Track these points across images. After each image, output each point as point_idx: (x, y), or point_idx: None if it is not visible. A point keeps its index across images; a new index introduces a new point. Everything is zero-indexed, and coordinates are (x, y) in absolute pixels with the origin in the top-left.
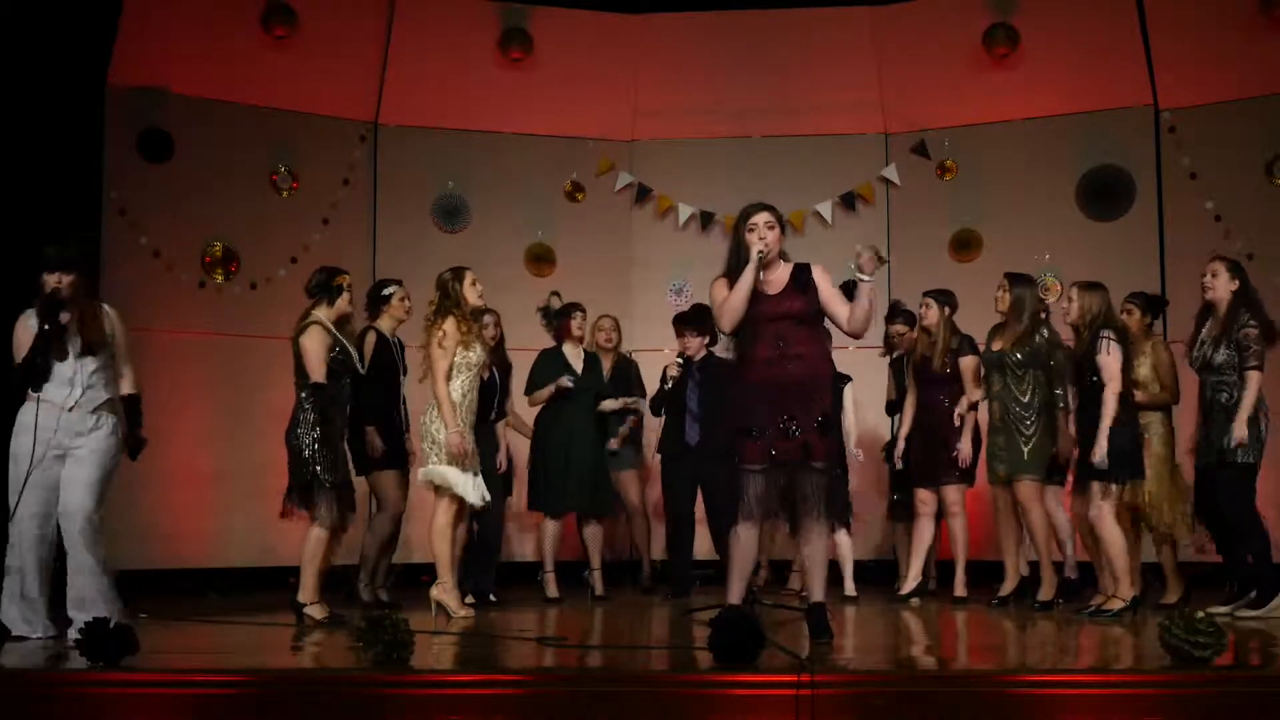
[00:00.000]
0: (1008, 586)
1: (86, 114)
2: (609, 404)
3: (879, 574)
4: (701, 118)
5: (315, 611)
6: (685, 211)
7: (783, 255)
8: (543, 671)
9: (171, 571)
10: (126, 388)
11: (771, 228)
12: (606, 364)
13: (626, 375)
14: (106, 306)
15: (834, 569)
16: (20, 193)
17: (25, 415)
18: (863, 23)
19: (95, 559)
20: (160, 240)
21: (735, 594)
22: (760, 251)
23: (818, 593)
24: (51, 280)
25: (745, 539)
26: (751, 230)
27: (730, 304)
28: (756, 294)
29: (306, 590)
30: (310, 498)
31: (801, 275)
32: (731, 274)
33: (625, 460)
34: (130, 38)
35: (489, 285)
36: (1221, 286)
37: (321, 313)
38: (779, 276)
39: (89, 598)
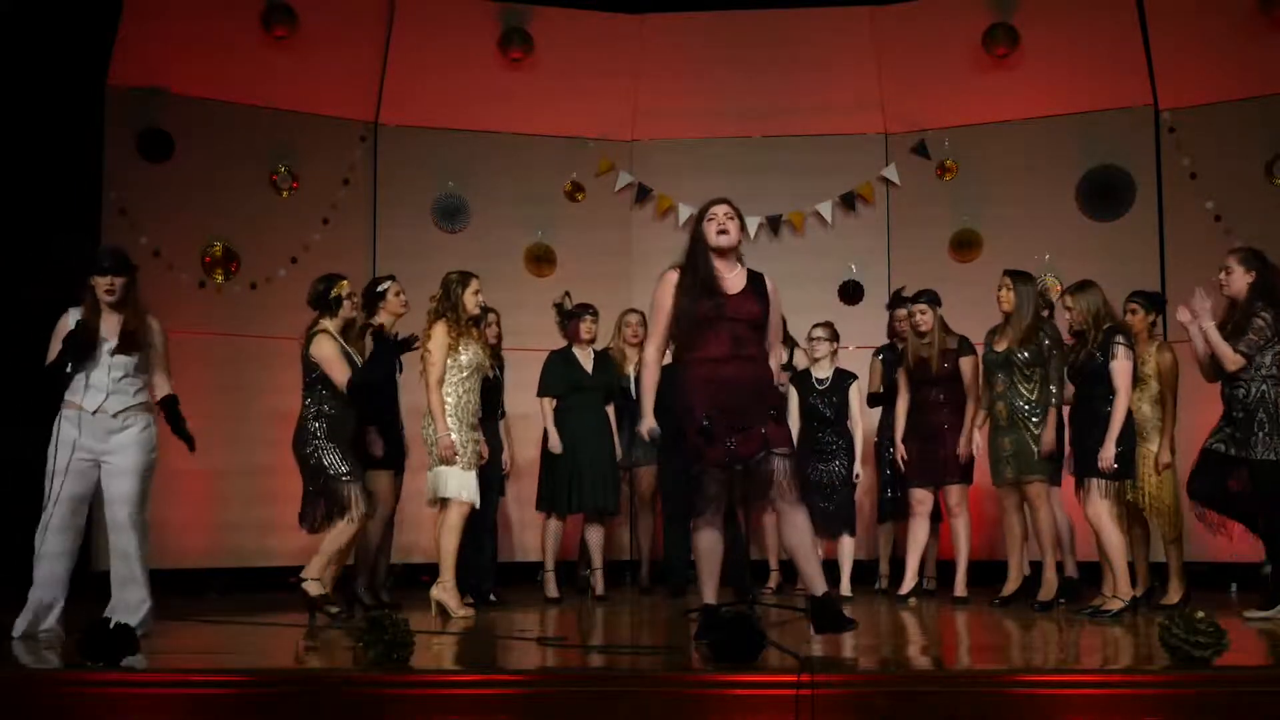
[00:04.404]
0: (1010, 587)
1: (86, 114)
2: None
3: (862, 573)
4: (701, 118)
5: (313, 588)
6: (685, 211)
7: (739, 257)
8: (543, 671)
9: (171, 571)
10: (164, 390)
11: (731, 218)
12: (634, 360)
13: None
14: (150, 316)
15: (832, 569)
16: (20, 193)
17: (57, 426)
18: (863, 23)
19: (140, 552)
20: (160, 240)
21: (709, 594)
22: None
23: (818, 584)
24: (103, 283)
25: (707, 538)
26: (711, 220)
27: (662, 324)
28: (715, 291)
29: (314, 568)
30: (334, 498)
31: (757, 282)
32: (684, 269)
33: (644, 455)
34: (130, 38)
35: (489, 285)
36: (1237, 280)
37: (327, 322)
38: (737, 277)
39: (130, 598)
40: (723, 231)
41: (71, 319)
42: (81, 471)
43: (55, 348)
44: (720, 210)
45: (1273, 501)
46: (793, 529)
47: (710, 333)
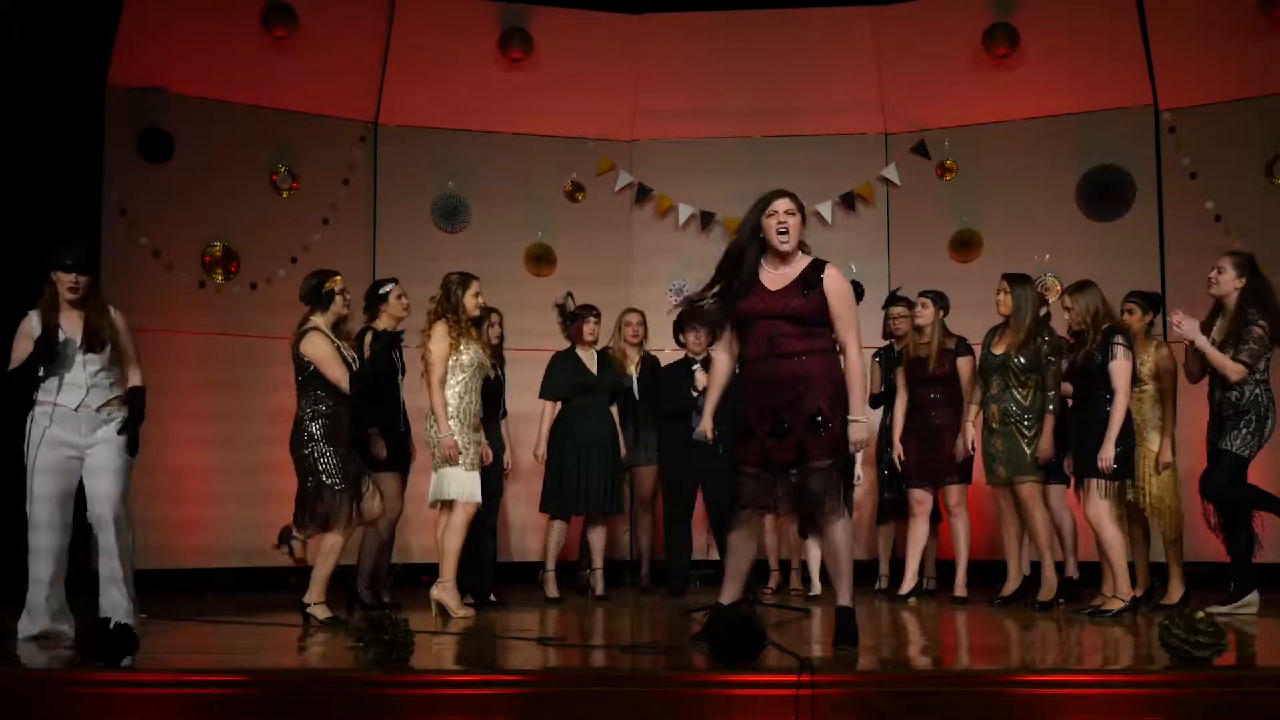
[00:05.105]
0: (1010, 587)
1: (86, 114)
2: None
3: (862, 573)
4: (701, 118)
5: (319, 612)
6: (685, 211)
7: (802, 246)
8: (543, 671)
9: (171, 571)
10: (134, 381)
11: (792, 214)
12: (634, 359)
13: (654, 372)
14: (111, 308)
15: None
16: (21, 193)
17: (30, 423)
18: (863, 23)
19: (123, 549)
20: (160, 240)
21: (728, 594)
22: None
23: (844, 595)
24: (67, 280)
25: (740, 540)
26: (771, 215)
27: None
28: (757, 286)
29: (314, 590)
30: (324, 504)
31: (813, 274)
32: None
33: (645, 455)
34: (130, 38)
35: (489, 285)
36: (1227, 282)
37: (318, 319)
38: (788, 271)
39: (116, 591)
40: (783, 232)
41: (34, 320)
42: (65, 469)
43: (20, 348)
44: (781, 206)
45: (1230, 493)
46: (826, 542)
47: (747, 333)
